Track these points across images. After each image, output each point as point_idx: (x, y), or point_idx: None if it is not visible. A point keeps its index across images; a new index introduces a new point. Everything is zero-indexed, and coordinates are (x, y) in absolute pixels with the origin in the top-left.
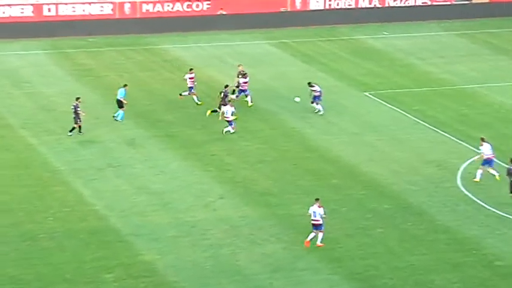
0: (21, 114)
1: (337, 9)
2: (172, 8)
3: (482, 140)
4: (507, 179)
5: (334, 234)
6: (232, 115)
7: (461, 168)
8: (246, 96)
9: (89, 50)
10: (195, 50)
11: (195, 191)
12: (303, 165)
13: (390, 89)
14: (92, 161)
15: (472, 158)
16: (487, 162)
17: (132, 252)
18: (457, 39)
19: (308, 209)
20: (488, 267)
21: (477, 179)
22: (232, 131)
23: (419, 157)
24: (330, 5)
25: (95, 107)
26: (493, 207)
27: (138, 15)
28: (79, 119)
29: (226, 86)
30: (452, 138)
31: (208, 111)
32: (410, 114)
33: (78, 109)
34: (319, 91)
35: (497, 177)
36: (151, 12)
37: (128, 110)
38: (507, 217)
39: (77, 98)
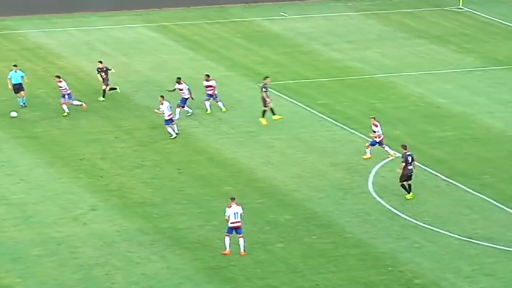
0: None
1: None
2: None
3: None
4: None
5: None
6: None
7: (373, 172)
8: (216, 101)
9: None
10: (61, 35)
11: (62, 201)
12: (190, 171)
13: (290, 80)
14: None
15: (384, 159)
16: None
17: None
18: (367, 20)
19: (225, 212)
20: (406, 287)
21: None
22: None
23: (325, 159)
24: None
25: None
26: (410, 216)
27: None
28: None
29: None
30: (363, 136)
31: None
32: (314, 109)
33: None
34: (188, 89)
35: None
36: None
37: None
38: (426, 227)
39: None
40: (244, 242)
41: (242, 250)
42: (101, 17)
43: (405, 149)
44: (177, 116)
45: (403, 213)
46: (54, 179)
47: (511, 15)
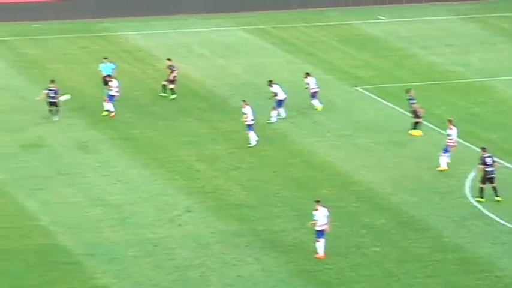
0: None
1: None
2: None
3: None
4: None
5: None
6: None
7: (470, 176)
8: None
9: (34, 37)
10: (159, 37)
11: (158, 203)
12: (286, 173)
13: (388, 83)
14: (37, 168)
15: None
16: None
17: (84, 276)
18: (466, 24)
19: (313, 216)
20: None
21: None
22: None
23: (421, 163)
24: None
25: (40, 105)
26: (508, 222)
27: None
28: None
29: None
30: (460, 140)
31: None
32: (411, 113)
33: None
34: (281, 93)
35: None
36: None
37: (79, 108)
38: None
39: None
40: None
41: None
42: (199, 20)
43: (484, 151)
44: (273, 119)
45: (500, 219)
46: (150, 180)
47: None
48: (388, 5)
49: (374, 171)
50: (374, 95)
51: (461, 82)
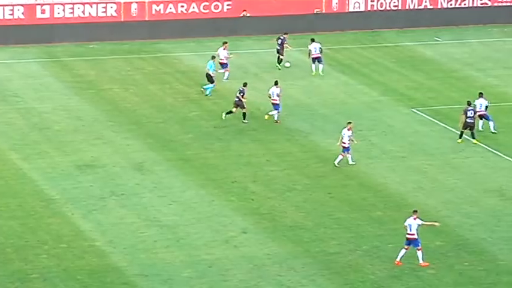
0: (9, 134)
1: (380, 10)
2: (187, 10)
3: None
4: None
5: (378, 276)
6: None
7: None
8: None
9: (90, 58)
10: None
11: (213, 224)
12: (341, 195)
13: (443, 105)
14: (92, 188)
15: None
16: None
17: None
18: None
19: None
20: None
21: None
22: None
23: (477, 185)
24: (372, 6)
25: (96, 125)
26: None
27: (146, 18)
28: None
29: (245, 85)
30: None
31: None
32: (467, 135)
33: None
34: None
35: None
36: (162, 14)
37: (136, 128)
38: None
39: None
40: (422, 254)
41: (420, 261)
42: (254, 41)
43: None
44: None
45: None
46: (206, 201)
47: None
48: (446, 27)
49: (429, 193)
50: (429, 116)
51: None
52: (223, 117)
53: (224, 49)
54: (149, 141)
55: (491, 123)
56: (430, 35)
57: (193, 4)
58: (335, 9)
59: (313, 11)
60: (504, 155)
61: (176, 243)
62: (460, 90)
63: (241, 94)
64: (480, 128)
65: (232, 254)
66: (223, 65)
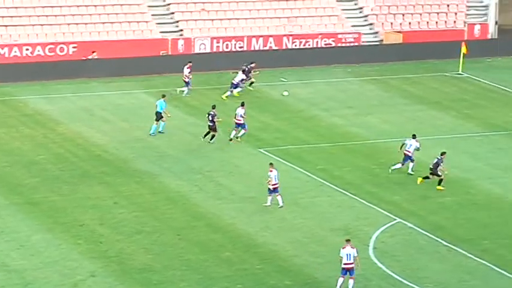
0: None
1: (226, 52)
2: (31, 53)
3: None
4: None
5: None
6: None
7: (374, 237)
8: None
9: None
10: (61, 101)
11: (61, 268)
12: (189, 236)
13: (290, 145)
14: None
15: (385, 224)
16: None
17: None
18: (368, 86)
19: (339, 253)
20: None
21: None
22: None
23: (324, 224)
24: (218, 47)
25: None
26: (411, 282)
27: None
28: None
29: (214, 107)
30: (363, 201)
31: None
32: (314, 175)
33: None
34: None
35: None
36: (6, 58)
37: None
38: None
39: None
40: (353, 283)
41: None
42: (101, 83)
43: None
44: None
45: (404, 279)
46: (53, 245)
47: (511, 80)
48: (291, 67)
49: (276, 233)
50: (277, 156)
51: (362, 143)
52: (207, 140)
53: (188, 68)
54: None
55: (411, 164)
56: (276, 75)
57: (38, 47)
58: (181, 51)
59: (160, 52)
60: (350, 193)
61: None
62: (307, 130)
63: (212, 117)
64: (410, 171)
65: None
66: (186, 83)
